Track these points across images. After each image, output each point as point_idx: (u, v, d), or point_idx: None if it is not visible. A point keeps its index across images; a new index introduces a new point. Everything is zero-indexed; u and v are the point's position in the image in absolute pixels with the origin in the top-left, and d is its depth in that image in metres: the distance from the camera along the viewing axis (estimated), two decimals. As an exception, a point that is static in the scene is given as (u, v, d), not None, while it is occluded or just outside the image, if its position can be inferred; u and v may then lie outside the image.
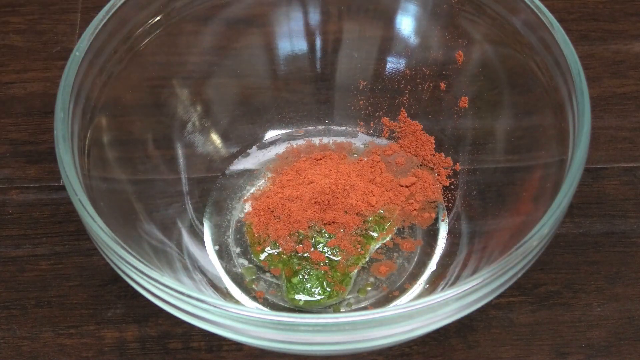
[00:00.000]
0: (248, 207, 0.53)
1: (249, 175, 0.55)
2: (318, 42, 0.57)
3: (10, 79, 0.61)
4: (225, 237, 0.52)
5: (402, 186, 0.54)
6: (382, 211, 0.52)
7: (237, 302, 0.49)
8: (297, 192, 0.52)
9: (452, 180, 0.54)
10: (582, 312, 0.50)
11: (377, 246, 0.51)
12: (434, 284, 0.50)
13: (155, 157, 0.52)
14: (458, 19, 0.53)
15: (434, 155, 0.55)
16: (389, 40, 0.56)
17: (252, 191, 0.54)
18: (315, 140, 0.57)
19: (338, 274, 0.50)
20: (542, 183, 0.46)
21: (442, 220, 0.53)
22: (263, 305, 0.49)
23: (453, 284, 0.48)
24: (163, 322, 0.50)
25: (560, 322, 0.50)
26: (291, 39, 0.56)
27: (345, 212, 0.52)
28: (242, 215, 0.53)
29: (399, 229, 0.52)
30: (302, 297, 0.49)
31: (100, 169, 0.46)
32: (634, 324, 0.50)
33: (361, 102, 0.57)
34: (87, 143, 0.45)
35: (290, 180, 0.54)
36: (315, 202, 0.52)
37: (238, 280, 0.51)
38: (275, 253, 0.51)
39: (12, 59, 0.62)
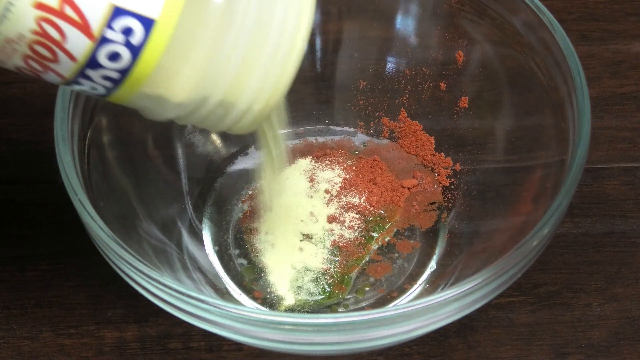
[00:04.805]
0: (247, 207, 0.53)
1: (249, 175, 0.55)
2: (318, 42, 0.57)
3: (10, 79, 0.61)
4: (225, 237, 0.52)
5: (403, 187, 0.54)
6: (382, 211, 0.52)
7: (237, 302, 0.49)
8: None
9: (452, 180, 0.54)
10: (582, 312, 0.50)
11: (377, 246, 0.51)
12: (434, 284, 0.50)
13: (155, 157, 0.52)
14: (458, 19, 0.53)
15: (434, 155, 0.55)
16: (389, 40, 0.56)
17: (251, 191, 0.54)
18: (315, 140, 0.57)
19: (338, 274, 0.50)
20: (542, 183, 0.46)
21: (442, 221, 0.53)
22: (263, 305, 0.49)
23: (453, 284, 0.48)
24: (163, 322, 0.50)
25: (560, 322, 0.50)
26: (291, 39, 0.56)
27: (346, 212, 0.52)
28: (241, 215, 0.53)
29: (399, 230, 0.52)
30: (302, 297, 0.49)
31: (100, 169, 0.46)
32: (634, 324, 0.50)
33: (361, 102, 0.57)
34: (87, 143, 0.45)
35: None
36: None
37: (238, 280, 0.51)
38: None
39: (12, 59, 0.62)
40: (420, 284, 0.50)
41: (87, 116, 0.46)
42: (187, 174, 0.54)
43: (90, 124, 0.46)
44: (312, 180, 0.54)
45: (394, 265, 0.51)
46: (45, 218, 0.54)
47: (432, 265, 0.51)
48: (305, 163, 0.55)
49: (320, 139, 0.57)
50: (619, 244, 0.53)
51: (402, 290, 0.50)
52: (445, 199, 0.53)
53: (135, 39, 0.34)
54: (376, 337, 0.38)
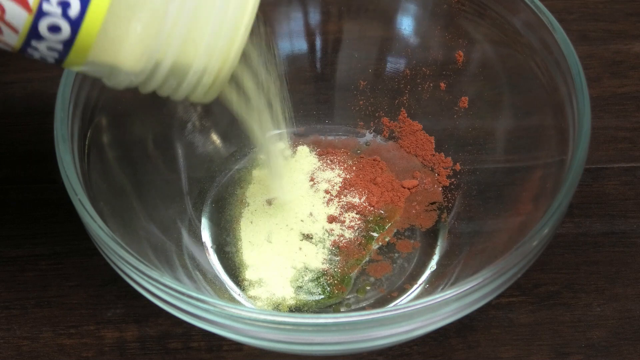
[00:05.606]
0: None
1: (249, 174, 0.55)
2: (318, 42, 0.57)
3: (10, 78, 0.61)
4: (225, 237, 0.52)
5: (403, 187, 0.54)
6: (382, 211, 0.52)
7: (237, 302, 0.49)
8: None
9: (452, 180, 0.54)
10: (582, 312, 0.50)
11: (377, 246, 0.52)
12: (434, 284, 0.50)
13: (155, 157, 0.52)
14: (458, 19, 0.53)
15: (434, 155, 0.55)
16: (389, 40, 0.56)
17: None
18: (315, 140, 0.57)
19: (338, 274, 0.50)
20: (542, 183, 0.46)
21: (442, 221, 0.53)
22: (263, 305, 0.49)
23: (453, 284, 0.48)
24: (163, 322, 0.50)
25: (560, 322, 0.50)
26: (291, 39, 0.56)
27: (346, 212, 0.52)
28: (241, 214, 0.53)
29: (399, 230, 0.52)
30: (302, 297, 0.49)
31: (100, 169, 0.46)
32: (634, 324, 0.50)
33: (361, 102, 0.57)
34: (87, 143, 0.46)
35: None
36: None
37: (238, 280, 0.51)
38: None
39: (12, 59, 0.62)
40: (420, 284, 0.50)
41: (87, 116, 0.46)
42: (187, 174, 0.54)
43: (90, 124, 0.46)
44: (312, 180, 0.54)
45: (394, 265, 0.51)
46: (45, 218, 0.54)
47: (432, 265, 0.51)
48: (305, 163, 0.55)
49: (320, 139, 0.57)
50: (619, 244, 0.53)
51: (402, 290, 0.50)
52: (445, 199, 0.53)
53: (73, 12, 0.35)
54: (376, 337, 0.38)
